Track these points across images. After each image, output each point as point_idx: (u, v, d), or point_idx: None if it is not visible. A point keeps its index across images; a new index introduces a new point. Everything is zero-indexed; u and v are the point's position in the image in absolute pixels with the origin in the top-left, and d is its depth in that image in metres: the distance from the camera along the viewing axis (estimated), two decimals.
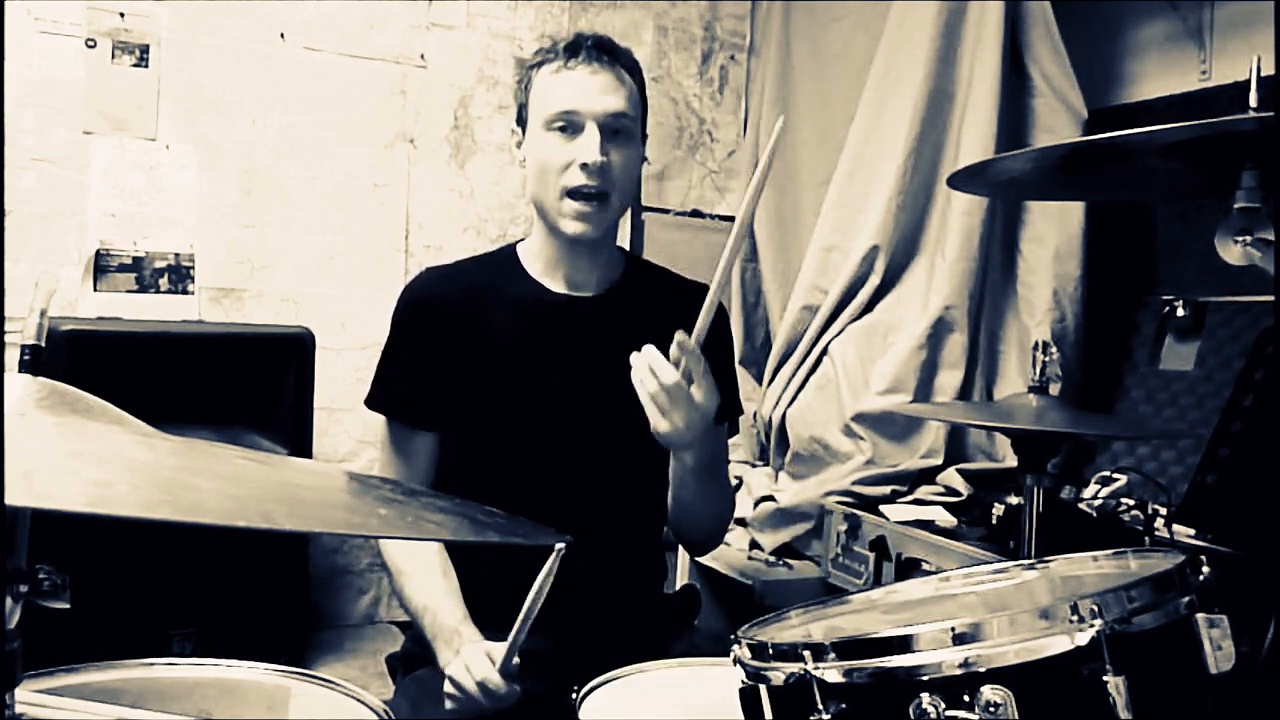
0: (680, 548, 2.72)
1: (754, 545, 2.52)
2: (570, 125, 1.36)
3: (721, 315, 1.59)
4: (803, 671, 0.82)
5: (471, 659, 1.19)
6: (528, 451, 1.43)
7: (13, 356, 0.71)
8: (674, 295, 1.52)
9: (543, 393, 1.43)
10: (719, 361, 1.58)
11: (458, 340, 1.42)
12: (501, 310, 1.44)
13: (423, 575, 1.38)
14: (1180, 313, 2.26)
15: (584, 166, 1.35)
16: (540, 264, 1.47)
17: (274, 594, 2.35)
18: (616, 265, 1.51)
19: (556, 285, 1.46)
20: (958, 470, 2.37)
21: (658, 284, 1.55)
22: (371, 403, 1.48)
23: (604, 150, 1.36)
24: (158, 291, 2.61)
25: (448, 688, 1.21)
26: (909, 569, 2.05)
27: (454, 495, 1.28)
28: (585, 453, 1.44)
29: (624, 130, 1.39)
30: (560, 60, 1.38)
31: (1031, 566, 1.14)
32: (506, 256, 1.51)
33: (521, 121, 1.44)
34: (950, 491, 2.35)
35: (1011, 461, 2.36)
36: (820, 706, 0.81)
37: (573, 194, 1.37)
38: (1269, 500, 1.51)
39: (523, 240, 1.52)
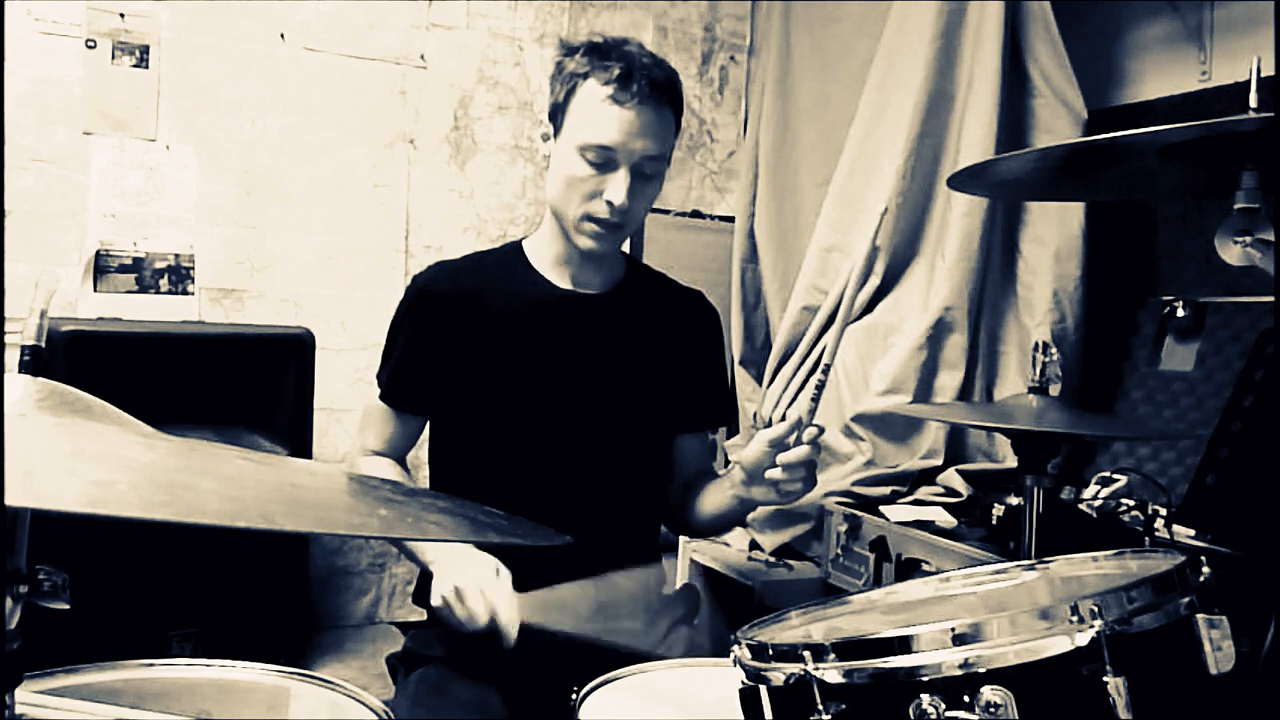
0: (680, 548, 2.72)
1: (754, 545, 2.51)
2: (605, 162, 1.35)
3: (714, 321, 1.61)
4: (803, 672, 0.82)
5: (493, 590, 1.21)
6: (530, 446, 1.43)
7: (13, 357, 0.71)
8: (671, 300, 1.58)
9: (546, 386, 1.43)
10: (711, 366, 1.60)
11: (463, 332, 1.44)
12: (508, 304, 1.45)
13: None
14: (1180, 313, 2.25)
15: (609, 204, 1.35)
16: (548, 260, 1.49)
17: (274, 594, 2.35)
18: (618, 266, 1.53)
19: (563, 282, 1.48)
20: (958, 471, 2.37)
21: (656, 287, 1.59)
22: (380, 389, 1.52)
23: (631, 193, 1.35)
24: (158, 292, 2.61)
25: (449, 595, 1.22)
26: (909, 569, 2.05)
27: (455, 488, 1.30)
28: (587, 449, 1.45)
29: (655, 172, 1.40)
30: (610, 87, 1.33)
31: (1031, 567, 1.14)
32: (513, 252, 1.52)
33: (554, 119, 1.41)
34: (950, 492, 2.35)
35: (1011, 462, 2.36)
36: (820, 707, 0.81)
37: (592, 219, 1.38)
38: (1269, 500, 1.50)
39: (527, 237, 1.53)
